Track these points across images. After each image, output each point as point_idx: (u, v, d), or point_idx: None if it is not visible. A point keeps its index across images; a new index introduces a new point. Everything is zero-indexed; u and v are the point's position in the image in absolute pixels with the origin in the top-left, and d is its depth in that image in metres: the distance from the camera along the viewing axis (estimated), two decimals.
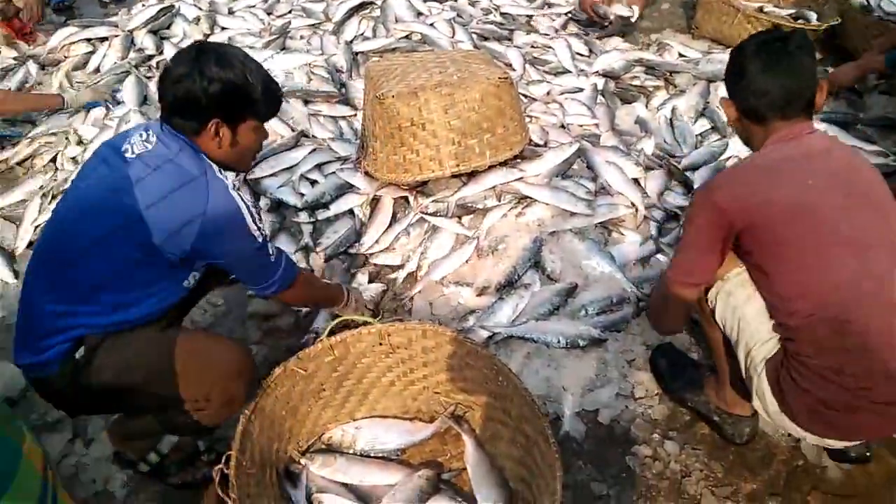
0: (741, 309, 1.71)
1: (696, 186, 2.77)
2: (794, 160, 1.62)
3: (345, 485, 1.81)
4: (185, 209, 1.59)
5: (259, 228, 1.70)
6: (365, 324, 1.90)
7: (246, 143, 1.76)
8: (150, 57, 3.97)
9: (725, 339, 1.82)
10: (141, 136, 1.68)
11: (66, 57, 4.03)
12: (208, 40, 3.17)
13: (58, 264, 1.62)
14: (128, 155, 1.65)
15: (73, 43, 4.08)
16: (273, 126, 3.23)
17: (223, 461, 1.52)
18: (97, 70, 3.92)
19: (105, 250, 1.58)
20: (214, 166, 1.68)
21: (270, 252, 1.76)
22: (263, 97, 1.73)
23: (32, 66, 3.91)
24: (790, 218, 1.56)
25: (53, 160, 3.31)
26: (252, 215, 1.68)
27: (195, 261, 1.71)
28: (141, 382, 1.63)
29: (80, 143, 3.33)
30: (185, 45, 4.01)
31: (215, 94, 1.64)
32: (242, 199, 1.67)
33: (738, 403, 1.93)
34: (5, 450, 0.96)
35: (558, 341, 2.25)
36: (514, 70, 3.64)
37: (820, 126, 2.86)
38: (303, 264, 2.65)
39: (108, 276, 1.60)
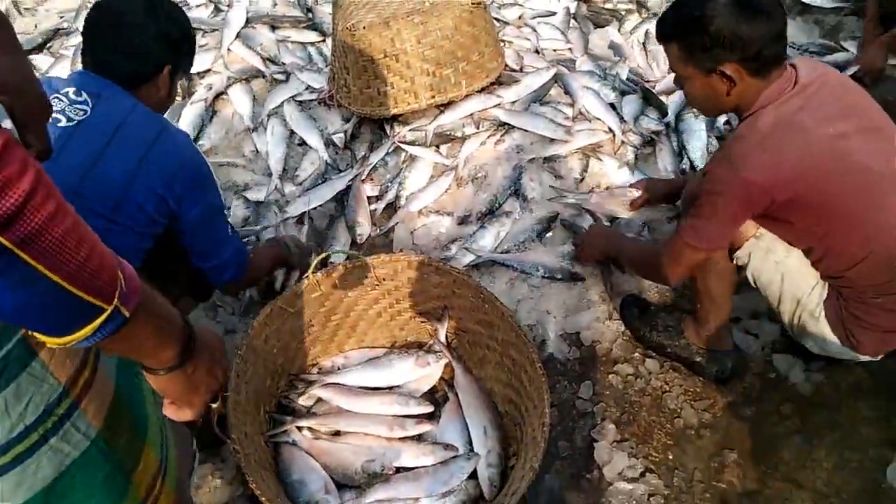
0: (783, 263, 1.74)
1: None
2: (807, 109, 1.56)
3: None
4: (166, 166, 1.50)
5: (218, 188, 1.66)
6: (350, 257, 1.90)
7: (173, 95, 1.66)
8: None
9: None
10: (69, 97, 1.46)
11: None
12: None
13: None
14: (61, 124, 1.41)
15: None
16: (242, 54, 3.12)
17: (220, 401, 1.52)
18: None
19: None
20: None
21: (228, 221, 1.73)
22: (193, 50, 1.67)
23: None
24: (830, 174, 1.55)
25: None
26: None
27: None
28: None
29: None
30: None
31: (175, 40, 1.56)
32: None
33: (719, 341, 1.96)
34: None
35: (538, 270, 2.28)
36: None
37: None
38: (276, 196, 2.61)
39: None
